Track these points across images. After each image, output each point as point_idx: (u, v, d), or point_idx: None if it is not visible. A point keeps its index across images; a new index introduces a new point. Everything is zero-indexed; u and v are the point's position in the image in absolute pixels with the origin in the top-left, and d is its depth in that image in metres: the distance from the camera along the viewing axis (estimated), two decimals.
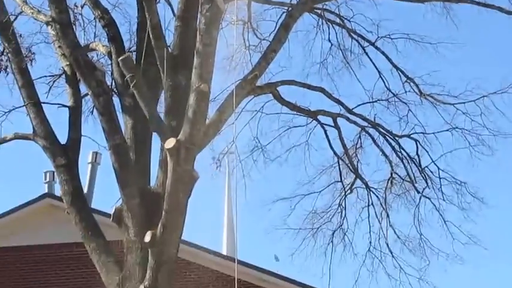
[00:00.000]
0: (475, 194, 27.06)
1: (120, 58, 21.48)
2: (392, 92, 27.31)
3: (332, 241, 27.56)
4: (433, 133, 27.21)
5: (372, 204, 27.38)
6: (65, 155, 23.77)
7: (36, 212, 32.26)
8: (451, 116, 27.00)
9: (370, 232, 27.47)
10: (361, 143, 27.49)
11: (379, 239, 27.32)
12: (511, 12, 25.72)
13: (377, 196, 27.39)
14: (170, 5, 24.93)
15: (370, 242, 27.30)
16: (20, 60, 24.27)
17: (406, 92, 27.24)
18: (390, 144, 27.28)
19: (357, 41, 27.40)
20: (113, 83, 24.48)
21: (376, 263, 27.35)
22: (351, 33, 27.36)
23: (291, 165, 28.52)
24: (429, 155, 27.27)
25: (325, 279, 28.21)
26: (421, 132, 27.23)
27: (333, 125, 27.04)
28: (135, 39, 24.83)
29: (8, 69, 25.79)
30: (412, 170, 27.10)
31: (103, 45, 24.74)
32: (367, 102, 27.56)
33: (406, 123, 27.38)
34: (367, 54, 27.36)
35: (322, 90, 26.59)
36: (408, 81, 26.96)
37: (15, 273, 31.53)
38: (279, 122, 27.94)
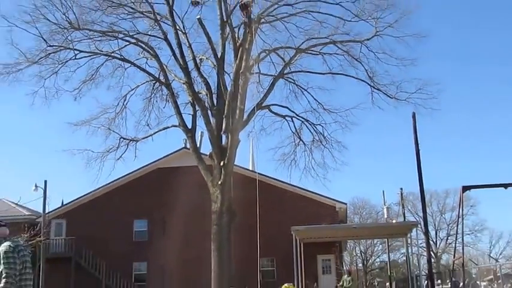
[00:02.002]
0: (344, 145, 26.21)
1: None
2: (313, 109, 26.16)
3: (291, 164, 26.43)
4: (329, 123, 26.05)
5: (306, 150, 26.51)
6: (190, 132, 24.16)
7: (179, 154, 31.80)
8: (336, 117, 25.76)
9: (305, 161, 26.44)
10: (301, 127, 26.48)
11: (309, 163, 26.41)
12: (359, 78, 25.17)
13: (307, 147, 26.53)
14: (229, 75, 24.29)
15: (305, 165, 26.39)
16: (174, 97, 24.50)
17: (318, 108, 26.09)
18: (313, 127, 26.35)
19: (300, 89, 26.38)
20: (209, 106, 24.29)
21: (307, 173, 26.28)
22: (298, 86, 26.49)
23: (275, 136, 27.72)
24: (328, 131, 26.24)
25: (288, 179, 27.36)
26: (324, 123, 26.16)
27: (291, 120, 26.34)
28: (216, 89, 24.41)
29: (168, 101, 25.08)
30: (320, 137, 26.18)
31: (204, 91, 24.52)
32: (304, 112, 26.46)
33: (318, 119, 26.25)
34: (303, 94, 26.27)
35: (287, 107, 26.15)
36: (319, 104, 26.03)
37: (171, 177, 30.42)
38: (270, 120, 26.53)
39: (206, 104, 24.33)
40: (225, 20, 24.03)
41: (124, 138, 25.40)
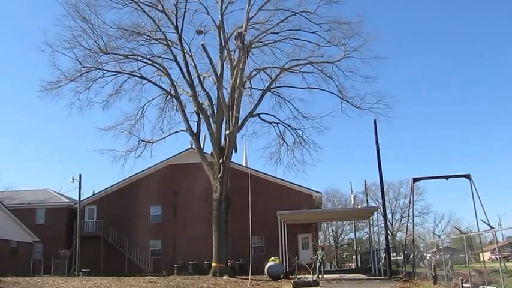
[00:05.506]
0: (319, 146, 25.43)
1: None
2: (294, 116, 25.61)
3: (276, 161, 25.74)
4: (307, 128, 25.40)
5: (288, 150, 25.74)
6: (195, 136, 23.91)
7: (187, 153, 30.48)
8: (312, 122, 25.23)
9: (288, 158, 25.69)
10: (285, 131, 25.69)
11: (291, 160, 25.75)
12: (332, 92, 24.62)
13: (289, 147, 25.74)
14: (227, 90, 24.23)
15: (288, 161, 25.79)
16: (182, 107, 24.18)
17: (299, 116, 25.47)
18: (294, 131, 25.63)
19: (283, 100, 25.78)
20: (211, 115, 23.89)
21: (290, 168, 25.72)
22: (282, 98, 25.86)
23: (264, 138, 27.57)
24: (306, 134, 25.41)
25: (274, 172, 27.04)
26: (304, 128, 25.51)
27: (277, 126, 25.73)
28: (216, 100, 23.94)
29: (178, 110, 24.69)
30: (300, 140, 25.50)
31: (207, 102, 24.31)
32: (287, 119, 25.79)
33: (299, 125, 25.57)
34: (286, 104, 25.81)
35: (273, 115, 25.69)
36: (299, 112, 25.39)
37: (180, 172, 30.06)
38: (260, 125, 26.03)
39: (208, 113, 24.26)
40: (223, 45, 24.06)
41: (142, 140, 25.35)
